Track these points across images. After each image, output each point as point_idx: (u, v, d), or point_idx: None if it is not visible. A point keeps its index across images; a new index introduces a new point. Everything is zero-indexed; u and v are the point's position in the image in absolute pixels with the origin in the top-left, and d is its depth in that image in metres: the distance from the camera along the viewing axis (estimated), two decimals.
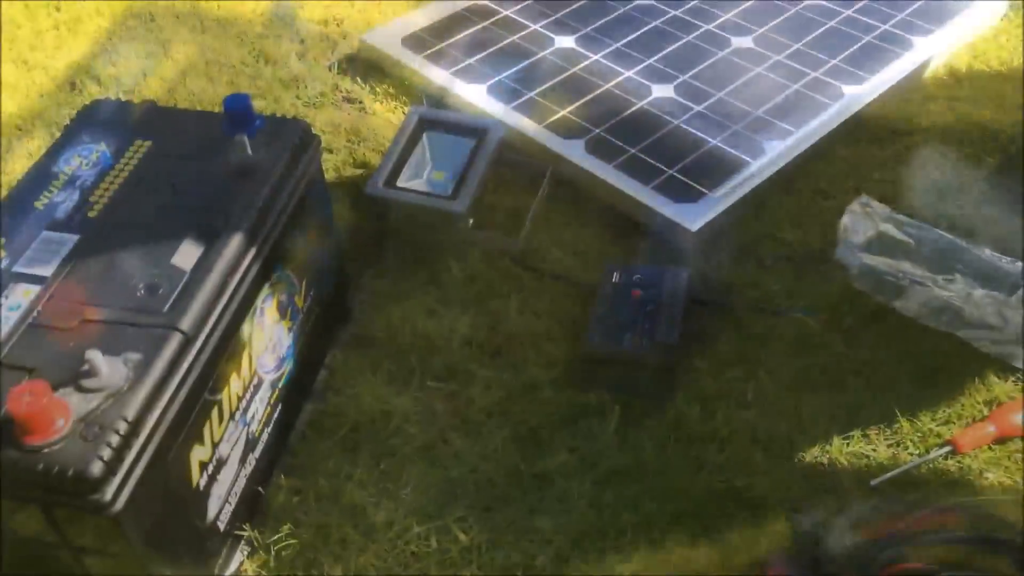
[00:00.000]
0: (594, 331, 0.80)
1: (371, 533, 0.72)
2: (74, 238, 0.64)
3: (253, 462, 0.71)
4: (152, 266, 0.62)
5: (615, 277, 0.84)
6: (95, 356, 0.54)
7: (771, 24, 1.20)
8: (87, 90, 1.16)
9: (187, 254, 0.63)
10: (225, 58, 1.21)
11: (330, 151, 1.07)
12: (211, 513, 0.66)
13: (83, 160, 0.71)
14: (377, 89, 1.15)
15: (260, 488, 0.74)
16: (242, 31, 1.26)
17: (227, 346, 0.64)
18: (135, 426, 0.54)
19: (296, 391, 0.78)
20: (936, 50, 1.14)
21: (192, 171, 0.69)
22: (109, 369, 0.55)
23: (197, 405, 0.61)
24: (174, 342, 0.58)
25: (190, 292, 0.61)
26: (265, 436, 0.73)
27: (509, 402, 0.81)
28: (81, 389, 0.54)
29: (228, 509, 0.68)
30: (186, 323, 0.59)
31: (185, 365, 0.59)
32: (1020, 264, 0.84)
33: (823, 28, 1.19)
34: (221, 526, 0.68)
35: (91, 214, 0.66)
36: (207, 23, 1.27)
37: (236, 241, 0.65)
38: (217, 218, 0.66)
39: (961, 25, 1.18)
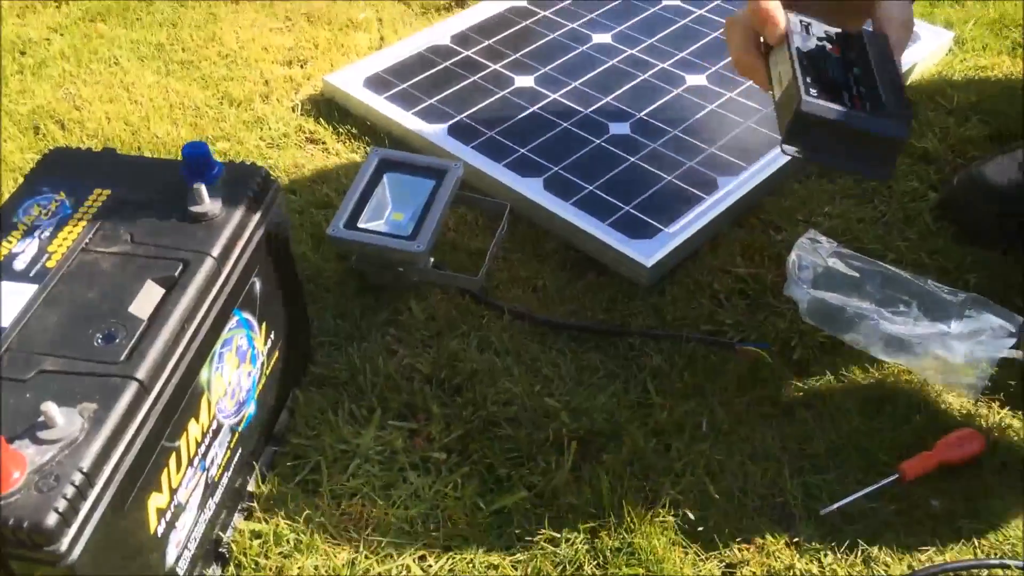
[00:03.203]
0: (808, 88, 0.58)
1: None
2: (32, 288, 0.65)
3: (213, 507, 0.72)
4: (109, 315, 0.63)
5: (804, 28, 0.63)
6: (50, 408, 0.55)
7: (724, 62, 1.24)
8: (51, 135, 1.17)
9: (144, 303, 0.64)
10: (189, 101, 1.23)
11: (293, 192, 1.09)
12: (170, 560, 0.66)
13: (42, 210, 0.72)
14: (340, 130, 1.17)
15: (220, 532, 0.74)
16: (206, 74, 1.27)
17: (185, 393, 0.65)
18: (91, 476, 0.55)
19: (257, 434, 0.79)
20: None
21: (151, 219, 0.70)
22: (65, 420, 0.56)
23: (154, 453, 0.62)
24: (130, 391, 0.59)
25: (147, 341, 0.62)
26: (225, 480, 0.74)
27: (469, 439, 0.82)
28: (37, 440, 0.55)
29: (187, 555, 0.69)
30: (142, 372, 0.60)
31: (141, 414, 0.60)
32: (962, 295, 0.87)
33: None
34: (180, 572, 0.68)
35: (49, 264, 0.67)
36: (171, 66, 1.29)
37: (193, 288, 0.66)
38: (175, 266, 0.67)
39: (907, 63, 1.21)
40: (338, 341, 0.91)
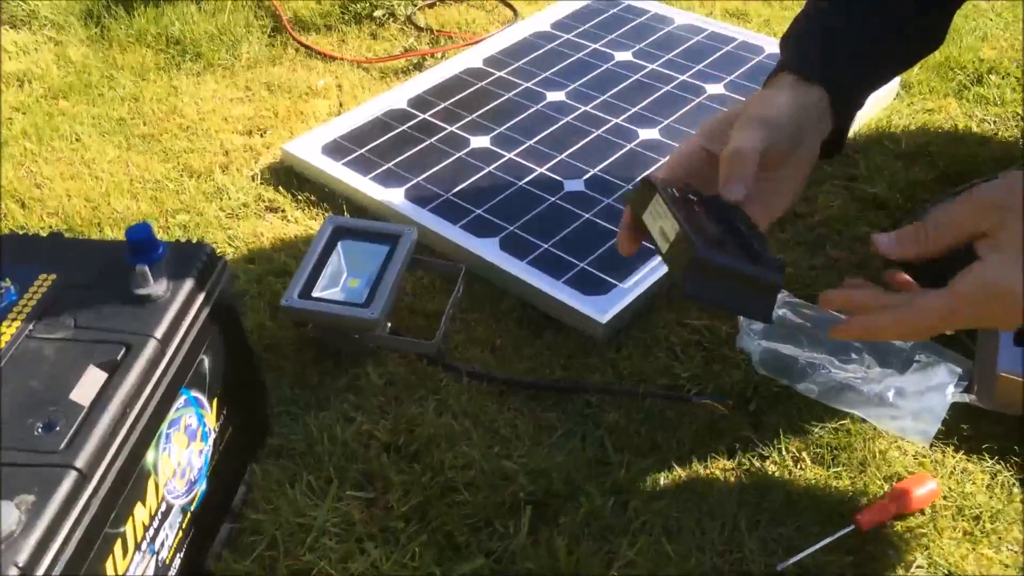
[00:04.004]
0: (698, 240, 0.61)
1: None
2: None
3: None
4: (50, 403, 0.63)
5: (670, 191, 0.68)
6: None
7: (676, 115, 1.26)
8: (12, 214, 1.17)
9: (86, 389, 0.64)
10: (150, 174, 1.24)
11: (251, 262, 1.09)
12: None
13: None
14: (299, 197, 1.18)
15: None
16: (167, 147, 1.29)
17: (129, 478, 0.64)
18: (27, 571, 0.55)
19: (211, 511, 0.78)
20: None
21: (94, 303, 0.71)
22: (1, 514, 0.55)
23: (97, 541, 0.61)
24: (68, 480, 0.59)
25: (87, 428, 0.62)
26: (177, 562, 0.73)
27: (427, 506, 0.82)
28: None
29: None
30: (81, 460, 0.60)
31: (81, 503, 0.59)
32: (911, 341, 0.88)
33: None
34: None
35: None
36: (132, 140, 1.30)
37: (136, 372, 0.66)
38: (118, 349, 0.67)
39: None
40: (296, 411, 0.91)
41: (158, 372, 0.68)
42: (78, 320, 0.69)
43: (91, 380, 0.65)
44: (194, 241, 1.05)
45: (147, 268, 0.70)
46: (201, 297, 0.74)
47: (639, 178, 0.70)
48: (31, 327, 0.69)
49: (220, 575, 0.77)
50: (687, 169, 0.73)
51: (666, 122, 1.25)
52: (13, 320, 0.70)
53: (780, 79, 0.73)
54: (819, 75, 0.72)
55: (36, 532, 0.56)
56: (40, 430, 0.62)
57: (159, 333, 0.69)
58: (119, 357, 0.66)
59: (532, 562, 0.76)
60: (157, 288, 0.71)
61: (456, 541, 0.79)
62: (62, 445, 0.61)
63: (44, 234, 0.79)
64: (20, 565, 0.54)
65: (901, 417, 0.82)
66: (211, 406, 0.77)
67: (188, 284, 0.73)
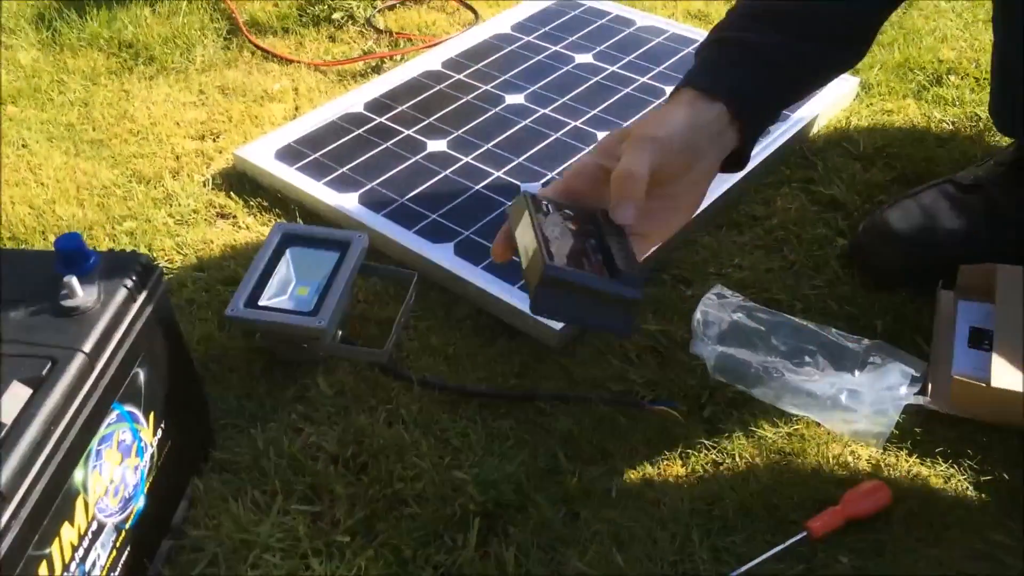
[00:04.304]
0: (551, 255, 0.62)
1: None
2: None
3: None
4: None
5: (545, 207, 0.68)
6: None
7: (636, 118, 1.25)
8: None
9: (9, 405, 0.62)
10: (97, 181, 1.21)
11: (201, 270, 1.07)
12: None
13: None
14: (251, 203, 1.16)
15: None
16: (116, 152, 1.26)
17: (54, 497, 0.62)
18: None
19: (149, 529, 0.76)
20: (792, 132, 1.19)
21: (21, 316, 0.68)
22: None
23: (20, 564, 0.59)
24: None
25: (8, 447, 0.59)
26: None
27: (374, 520, 0.80)
28: None
29: None
30: (0, 482, 0.57)
31: (0, 525, 0.57)
32: (866, 342, 0.87)
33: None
34: None
35: None
36: (81, 146, 1.27)
37: (61, 388, 0.63)
38: (43, 364, 0.64)
39: (816, 107, 1.23)
40: (242, 423, 0.89)
41: (86, 387, 0.66)
42: (3, 333, 0.67)
43: (14, 396, 0.63)
44: (140, 248, 1.03)
45: (75, 280, 0.68)
46: (135, 308, 0.72)
47: (521, 191, 0.70)
48: None
49: None
50: (580, 185, 0.72)
51: (626, 125, 1.23)
52: None
53: (681, 94, 0.73)
54: (720, 90, 0.72)
55: None
56: None
57: (87, 347, 0.66)
58: (44, 372, 0.64)
59: (480, 574, 0.74)
60: (87, 300, 0.69)
61: (403, 555, 0.77)
62: None
63: None
64: None
65: (855, 420, 0.81)
66: (147, 420, 0.74)
67: (120, 295, 0.70)
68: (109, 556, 0.70)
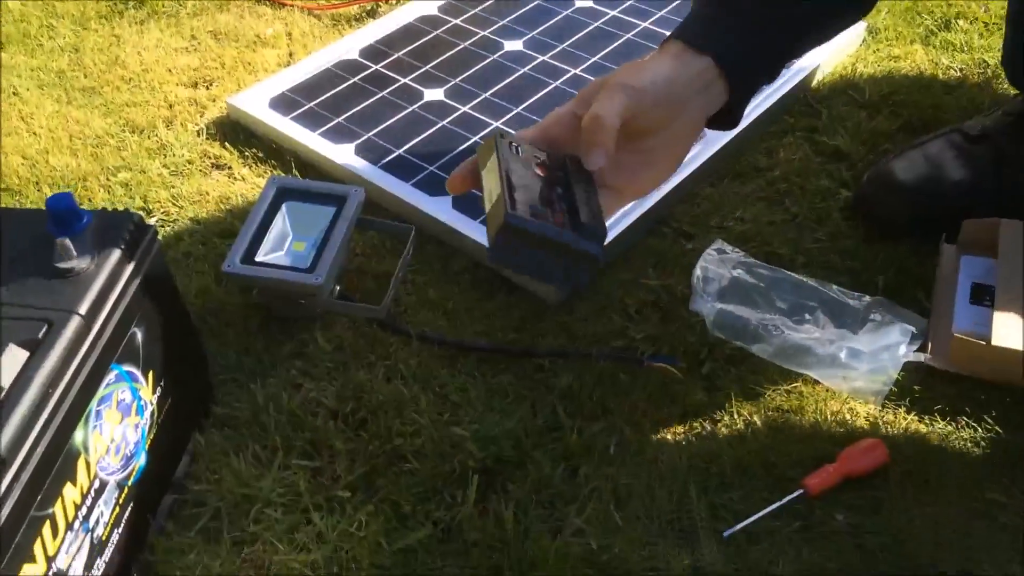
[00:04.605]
0: (513, 203, 0.61)
1: None
2: None
3: (102, 566, 0.70)
4: None
5: (515, 149, 0.66)
6: None
7: None
8: None
9: (6, 369, 0.62)
10: (90, 130, 1.19)
11: (197, 222, 1.06)
12: None
13: None
14: (246, 153, 1.14)
15: None
16: (108, 100, 1.24)
17: (55, 459, 0.62)
18: None
19: (152, 485, 0.76)
20: (797, 79, 1.17)
21: (15, 277, 0.68)
22: None
23: (23, 525, 0.59)
24: None
25: (7, 411, 0.59)
26: (115, 537, 0.71)
27: (374, 475, 0.80)
28: None
29: None
30: (0, 446, 0.57)
31: (2, 489, 0.57)
32: (866, 299, 0.87)
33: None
34: None
35: None
36: (72, 94, 1.25)
37: (58, 350, 0.63)
38: (39, 327, 0.64)
39: (821, 54, 1.20)
40: (241, 378, 0.89)
41: (83, 349, 0.65)
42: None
43: (11, 359, 0.62)
44: (136, 200, 1.02)
45: (68, 241, 0.67)
46: (129, 269, 0.71)
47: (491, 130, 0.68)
48: None
49: (163, 548, 0.76)
50: (557, 133, 0.70)
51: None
52: None
53: (669, 46, 0.71)
54: (708, 44, 0.70)
55: None
56: None
57: (83, 309, 0.66)
58: (40, 335, 0.64)
59: (479, 532, 0.75)
60: (81, 261, 0.68)
61: (403, 511, 0.77)
62: None
63: None
64: None
65: (854, 378, 0.81)
66: (146, 379, 0.74)
67: (114, 256, 0.70)
68: (112, 512, 0.71)
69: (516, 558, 0.73)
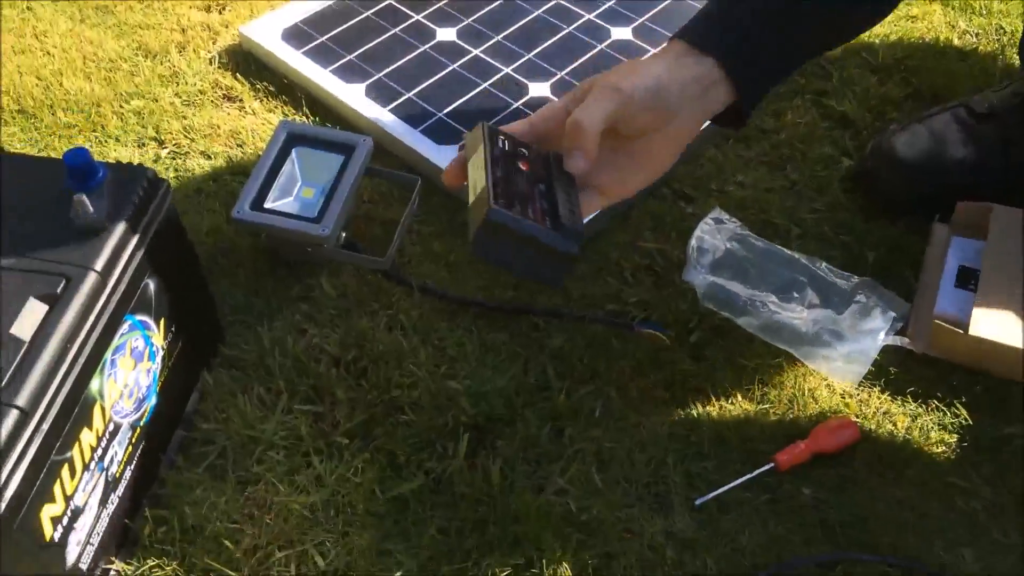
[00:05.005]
0: (496, 197, 0.63)
1: (233, 562, 0.76)
2: None
3: (116, 500, 0.75)
4: None
5: (502, 143, 0.68)
6: None
7: (651, 13, 1.21)
8: None
9: (26, 322, 0.65)
10: (103, 52, 1.19)
11: (208, 156, 1.08)
12: (70, 559, 0.69)
13: None
14: (257, 86, 1.15)
15: (128, 521, 0.77)
16: (121, 20, 1.24)
17: (73, 408, 0.66)
18: None
19: (162, 423, 0.81)
20: None
21: (35, 229, 0.70)
22: None
23: (43, 470, 0.64)
24: (10, 419, 0.60)
25: (28, 364, 0.63)
26: (128, 473, 0.76)
27: (372, 424, 0.85)
28: None
29: (90, 550, 0.72)
30: (22, 399, 0.61)
31: (24, 439, 0.61)
32: (854, 280, 0.89)
33: None
34: (84, 567, 0.71)
35: None
36: (86, 12, 1.25)
37: (76, 305, 0.66)
38: (57, 282, 0.67)
39: None
40: (249, 319, 0.93)
41: (99, 304, 0.69)
42: (16, 248, 0.69)
43: (31, 313, 0.66)
44: (148, 130, 1.04)
45: (85, 197, 0.70)
46: (144, 221, 0.74)
47: (478, 122, 0.70)
48: None
49: (173, 482, 0.81)
50: (546, 128, 0.71)
51: (640, 20, 1.20)
52: None
53: (670, 46, 0.71)
54: (712, 44, 0.69)
55: None
56: None
57: (99, 265, 0.69)
58: (59, 290, 0.67)
59: (467, 486, 0.80)
60: (96, 216, 0.70)
61: (398, 460, 0.82)
62: (3, 382, 0.62)
63: None
64: None
65: (833, 359, 0.84)
66: (158, 326, 0.78)
67: (128, 211, 0.72)
68: (125, 452, 0.75)
69: (501, 512, 0.78)
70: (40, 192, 0.73)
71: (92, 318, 0.68)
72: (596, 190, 0.72)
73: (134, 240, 0.72)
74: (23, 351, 0.64)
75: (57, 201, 0.71)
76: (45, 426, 0.64)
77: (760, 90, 0.75)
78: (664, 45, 0.73)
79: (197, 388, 0.87)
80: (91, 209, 0.70)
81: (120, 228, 0.71)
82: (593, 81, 0.70)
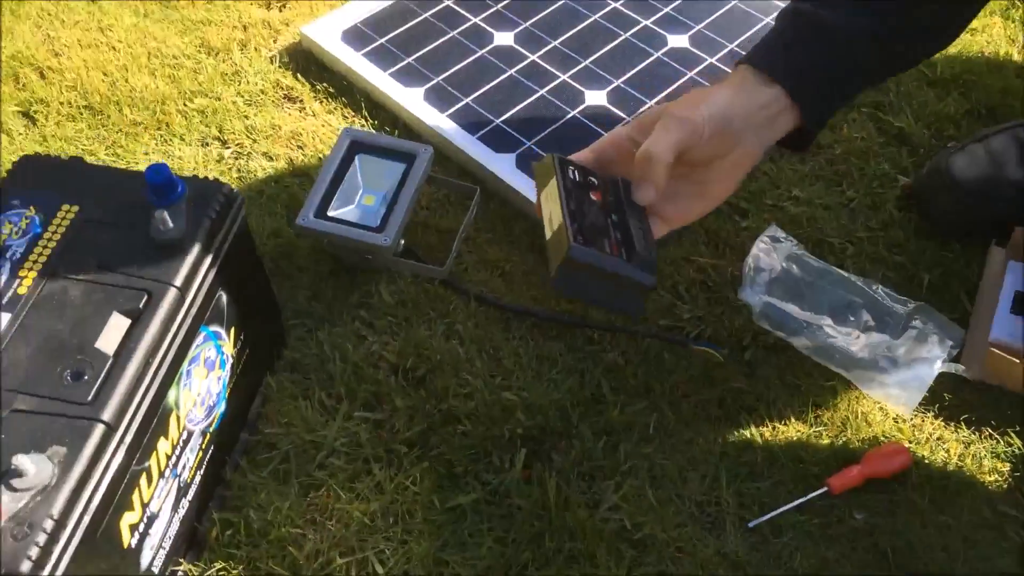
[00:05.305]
0: (575, 234, 0.64)
1: (296, 567, 0.79)
2: (6, 317, 0.69)
3: (186, 505, 0.78)
4: (77, 351, 0.67)
5: (572, 173, 0.70)
6: (20, 460, 0.59)
7: (707, 20, 1.21)
8: (31, 86, 1.17)
9: (110, 337, 0.68)
10: (167, 48, 1.22)
11: (270, 158, 1.10)
12: (144, 563, 0.72)
13: (14, 227, 0.74)
14: (318, 87, 1.17)
15: (196, 524, 0.80)
16: (185, 16, 1.26)
17: (152, 420, 0.69)
18: (62, 520, 0.60)
19: (230, 426, 0.84)
20: None
21: (117, 242, 0.73)
22: (36, 468, 0.60)
23: (124, 481, 0.67)
24: (97, 434, 0.63)
25: (113, 379, 0.66)
26: (198, 478, 0.79)
27: (430, 433, 0.87)
28: (11, 488, 0.60)
29: (162, 554, 0.75)
30: (108, 413, 0.64)
31: (109, 452, 0.64)
32: (911, 304, 0.90)
33: (756, 27, 1.20)
34: (156, 570, 0.75)
35: (21, 290, 0.70)
36: (149, 7, 1.27)
37: (158, 321, 0.69)
38: (140, 297, 0.70)
39: None
40: (311, 324, 0.95)
41: (179, 318, 0.71)
42: (100, 262, 0.72)
43: (115, 327, 0.68)
44: (211, 129, 1.06)
45: (166, 214, 0.72)
46: (220, 236, 0.76)
47: (548, 153, 0.72)
48: (57, 264, 0.71)
49: (238, 485, 0.84)
50: (612, 155, 0.73)
51: (697, 27, 1.20)
52: (40, 254, 0.72)
53: (737, 73, 0.71)
54: (779, 72, 0.69)
55: (69, 484, 0.61)
56: (68, 379, 0.65)
57: (179, 281, 0.71)
58: (141, 305, 0.69)
59: (523, 498, 0.82)
60: (176, 232, 0.73)
61: (455, 470, 0.84)
62: (90, 396, 0.65)
63: (64, 158, 0.80)
64: (55, 516, 0.60)
65: (887, 384, 0.85)
66: (229, 336, 0.80)
67: (206, 226, 0.74)
68: (196, 457, 0.78)
69: (557, 527, 0.80)
70: (121, 205, 0.75)
71: (172, 332, 0.71)
72: (658, 217, 0.73)
73: (211, 255, 0.75)
74: (108, 366, 0.66)
75: (138, 215, 0.74)
76: (128, 439, 0.66)
77: (825, 116, 0.76)
78: (730, 71, 0.74)
79: (261, 391, 0.90)
80: (171, 224, 0.72)
81: (198, 243, 0.73)
82: (661, 110, 0.71)
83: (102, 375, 0.66)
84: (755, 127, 0.71)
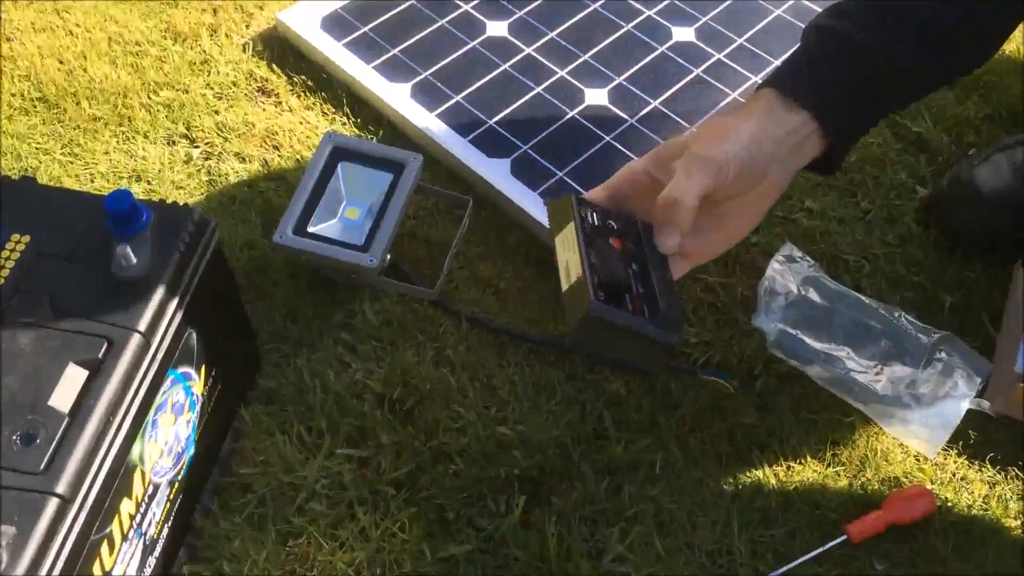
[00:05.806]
0: (595, 290, 0.59)
1: None
2: None
3: (152, 563, 0.71)
4: (28, 410, 0.59)
5: (590, 216, 0.65)
6: None
7: (714, 12, 1.14)
8: None
9: (66, 392, 0.60)
10: (129, 34, 1.12)
11: (243, 160, 1.02)
12: None
13: None
14: (295, 79, 1.08)
15: None
16: None
17: (113, 483, 0.62)
18: None
19: (199, 468, 0.77)
20: None
21: (74, 280, 0.65)
22: None
23: (83, 553, 0.60)
24: (50, 510, 0.56)
25: (69, 442, 0.58)
26: (165, 531, 0.72)
27: (419, 473, 0.81)
28: None
29: None
30: (63, 484, 0.57)
31: (64, 529, 0.57)
32: (935, 335, 0.84)
33: (767, 19, 1.13)
34: None
35: None
36: None
37: (121, 370, 0.62)
38: (99, 344, 0.62)
39: None
40: (288, 348, 0.88)
41: (143, 367, 0.64)
42: (55, 303, 0.64)
43: (71, 381, 0.61)
44: (179, 126, 0.98)
45: (128, 249, 0.64)
46: (189, 269, 0.68)
47: (564, 194, 0.66)
48: (4, 308, 0.64)
49: (209, 533, 0.77)
50: (628, 190, 0.68)
51: (703, 19, 1.13)
52: None
53: (760, 97, 0.66)
54: (806, 96, 0.65)
55: (21, 566, 0.54)
56: (18, 443, 0.58)
57: (143, 326, 0.64)
58: (100, 354, 0.62)
59: (521, 548, 0.76)
60: (140, 268, 0.65)
61: (446, 515, 0.78)
62: (42, 465, 0.58)
63: (14, 176, 0.72)
64: None
65: (910, 422, 0.80)
66: (199, 374, 0.73)
67: (175, 260, 0.67)
68: (164, 510, 0.71)
69: None
70: (78, 235, 0.67)
71: (136, 383, 0.63)
72: (680, 257, 0.67)
73: (179, 292, 0.67)
74: (64, 426, 0.59)
75: (97, 246, 0.66)
76: (86, 509, 0.59)
77: (851, 133, 0.71)
78: (754, 93, 0.68)
79: (234, 425, 0.83)
80: (135, 260, 0.65)
81: (165, 280, 0.66)
82: (681, 145, 0.65)
83: (56, 437, 0.59)
84: (782, 156, 0.66)
